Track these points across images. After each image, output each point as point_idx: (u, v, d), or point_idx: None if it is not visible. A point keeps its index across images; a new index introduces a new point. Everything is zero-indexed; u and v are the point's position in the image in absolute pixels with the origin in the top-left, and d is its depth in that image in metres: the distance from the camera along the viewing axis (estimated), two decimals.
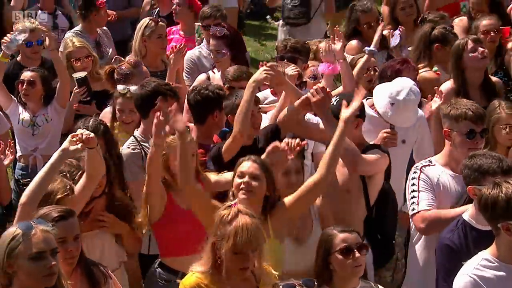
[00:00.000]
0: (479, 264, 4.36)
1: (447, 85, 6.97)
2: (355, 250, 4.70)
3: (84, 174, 4.96)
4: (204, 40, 8.05)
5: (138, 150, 6.05)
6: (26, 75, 6.99)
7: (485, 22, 7.97)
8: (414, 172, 5.39)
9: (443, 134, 5.47)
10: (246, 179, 4.91)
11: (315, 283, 4.56)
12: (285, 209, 5.03)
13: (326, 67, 6.90)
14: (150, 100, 5.92)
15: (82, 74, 7.18)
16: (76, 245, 4.41)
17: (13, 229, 3.96)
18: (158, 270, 5.42)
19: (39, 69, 7.17)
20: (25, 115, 7.02)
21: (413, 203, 5.29)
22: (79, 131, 4.76)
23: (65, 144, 4.73)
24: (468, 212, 4.85)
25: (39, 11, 8.86)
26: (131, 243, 5.45)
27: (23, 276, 3.89)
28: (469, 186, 4.82)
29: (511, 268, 4.33)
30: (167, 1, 9.11)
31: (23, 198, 4.69)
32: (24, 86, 6.97)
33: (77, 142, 4.68)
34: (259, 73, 5.82)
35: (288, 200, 5.07)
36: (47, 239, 3.94)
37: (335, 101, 5.65)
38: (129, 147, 6.08)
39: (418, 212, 5.24)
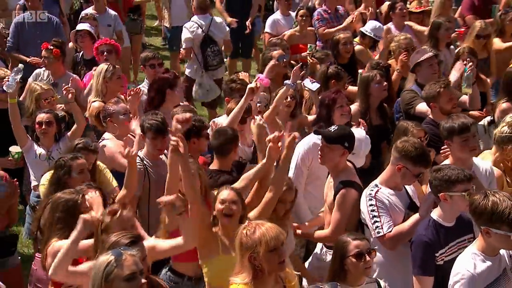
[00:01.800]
0: (471, 258, 5.00)
1: (352, 107, 8.14)
2: (366, 255, 5.40)
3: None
4: (145, 79, 8.93)
5: (142, 169, 6.79)
6: (42, 116, 7.59)
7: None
8: (370, 200, 5.99)
9: (396, 168, 6.01)
10: (227, 204, 5.66)
11: (338, 285, 5.22)
12: None
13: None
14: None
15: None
16: (145, 265, 4.76)
17: (106, 257, 4.36)
18: (168, 274, 6.04)
19: (51, 111, 7.76)
20: (40, 150, 7.60)
21: (377, 227, 5.93)
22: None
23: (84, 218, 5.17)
24: (435, 213, 5.61)
25: None
26: None
27: None
28: (441, 193, 5.51)
29: (493, 259, 5.01)
30: (90, 47, 9.73)
31: (51, 272, 5.07)
32: (43, 127, 7.56)
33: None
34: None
35: (253, 214, 5.84)
36: (135, 261, 4.37)
37: (333, 129, 6.49)
38: None
39: (384, 235, 5.90)
